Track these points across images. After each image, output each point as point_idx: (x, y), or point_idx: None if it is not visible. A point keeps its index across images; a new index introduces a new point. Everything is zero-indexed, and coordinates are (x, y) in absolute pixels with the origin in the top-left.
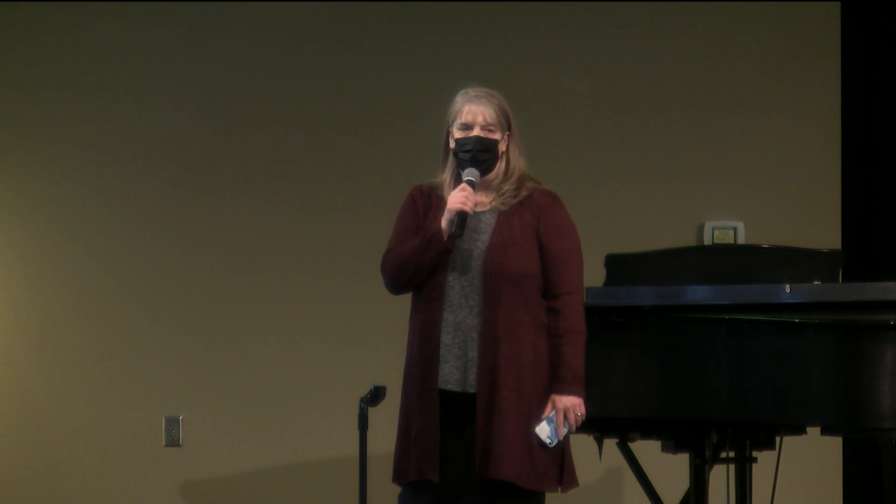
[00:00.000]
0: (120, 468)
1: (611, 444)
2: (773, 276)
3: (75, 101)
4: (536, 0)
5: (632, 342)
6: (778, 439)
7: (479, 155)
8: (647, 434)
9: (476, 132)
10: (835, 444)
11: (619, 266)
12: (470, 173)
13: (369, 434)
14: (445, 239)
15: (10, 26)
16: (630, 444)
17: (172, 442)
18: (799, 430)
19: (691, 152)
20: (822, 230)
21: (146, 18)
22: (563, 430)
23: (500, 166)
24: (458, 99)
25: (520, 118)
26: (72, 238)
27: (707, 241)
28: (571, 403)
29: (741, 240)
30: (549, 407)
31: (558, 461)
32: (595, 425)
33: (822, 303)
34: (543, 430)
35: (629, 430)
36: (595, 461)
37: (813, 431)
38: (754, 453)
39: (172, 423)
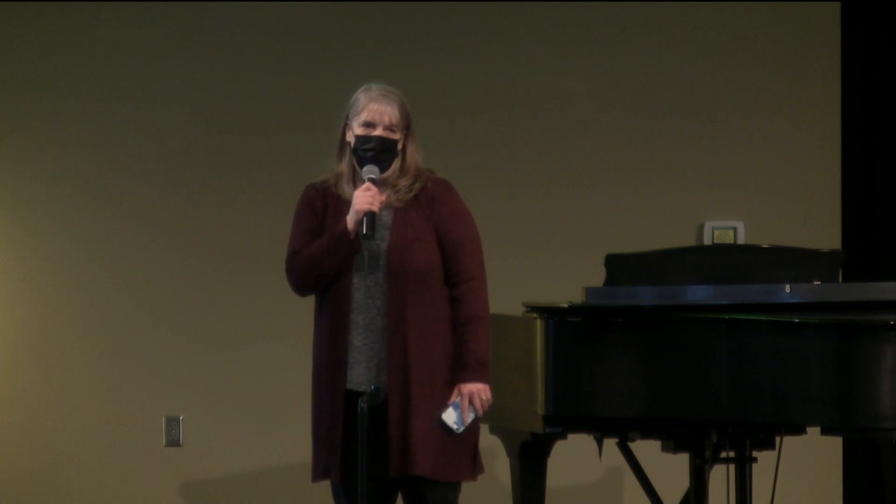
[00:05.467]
0: (120, 468)
1: (611, 444)
2: (773, 276)
3: (74, 103)
4: (538, 0)
5: (632, 342)
6: (778, 439)
7: (380, 155)
8: (647, 434)
9: (378, 132)
10: (835, 444)
11: (619, 266)
12: (370, 171)
13: None
14: (352, 239)
15: (6, 27)
16: (630, 444)
17: (172, 442)
18: (799, 430)
19: (691, 152)
20: (822, 230)
21: (143, 20)
22: (470, 416)
23: (397, 163)
24: (361, 96)
25: (520, 118)
26: (71, 238)
27: (707, 241)
28: (476, 389)
29: (741, 240)
30: (454, 393)
31: (470, 450)
32: (595, 425)
33: (821, 303)
34: (450, 417)
35: (629, 430)
36: (595, 461)
37: (813, 431)
38: (754, 453)
39: (172, 423)
